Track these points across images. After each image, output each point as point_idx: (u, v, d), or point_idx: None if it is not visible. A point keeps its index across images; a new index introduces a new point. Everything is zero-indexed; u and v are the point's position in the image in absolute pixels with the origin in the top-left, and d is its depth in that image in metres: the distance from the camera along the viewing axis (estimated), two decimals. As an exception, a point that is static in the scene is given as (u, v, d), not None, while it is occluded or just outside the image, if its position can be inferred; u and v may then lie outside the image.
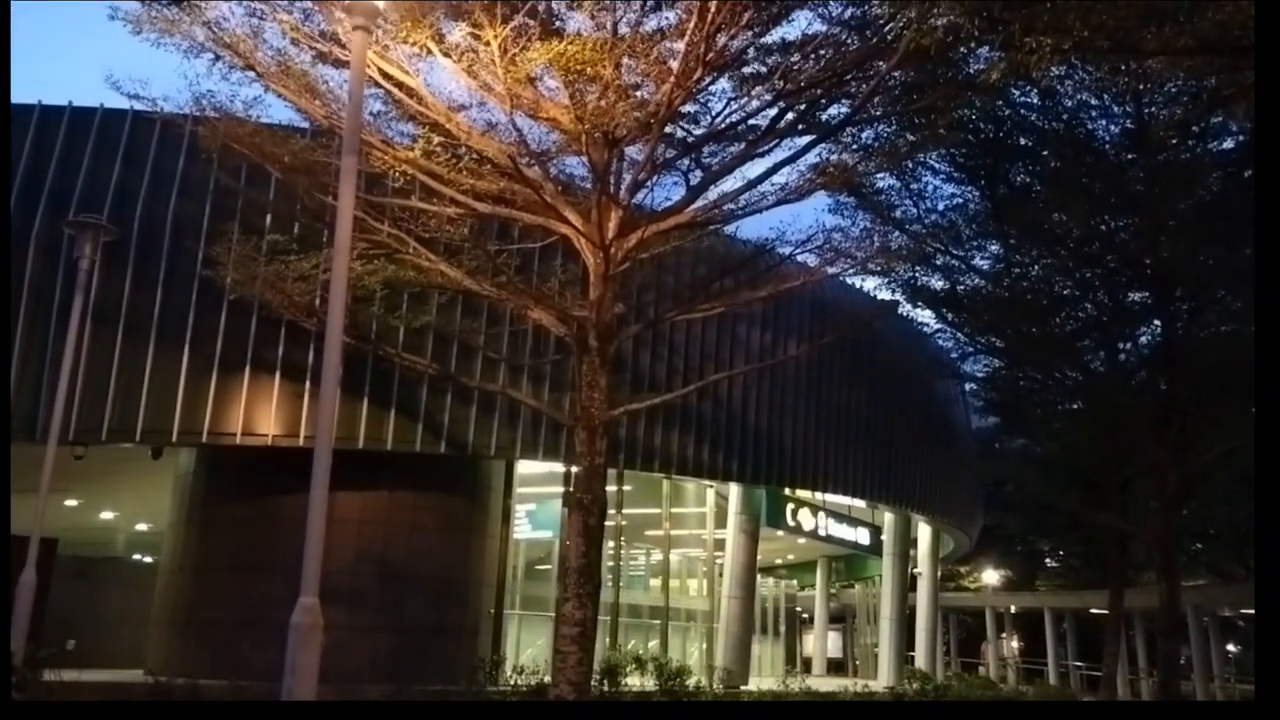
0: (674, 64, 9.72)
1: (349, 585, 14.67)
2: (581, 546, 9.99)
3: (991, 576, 42.52)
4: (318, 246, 12.52)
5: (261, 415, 14.81)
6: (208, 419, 14.57)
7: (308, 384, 14.79)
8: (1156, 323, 19.52)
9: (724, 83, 11.03)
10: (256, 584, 15.04)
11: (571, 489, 10.34)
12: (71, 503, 20.30)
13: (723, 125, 11.40)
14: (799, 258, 12.53)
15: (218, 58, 10.59)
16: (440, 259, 11.39)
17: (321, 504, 7.17)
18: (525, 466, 17.57)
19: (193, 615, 15.67)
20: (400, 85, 10.46)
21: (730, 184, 11.41)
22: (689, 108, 11.28)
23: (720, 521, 20.44)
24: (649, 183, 11.38)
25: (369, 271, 11.15)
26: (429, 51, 9.90)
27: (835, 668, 36.02)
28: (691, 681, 14.76)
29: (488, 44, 9.27)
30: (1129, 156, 17.47)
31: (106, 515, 23.31)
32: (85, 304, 13.26)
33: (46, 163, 14.93)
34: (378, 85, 10.54)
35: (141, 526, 24.41)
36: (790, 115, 11.05)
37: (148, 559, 25.16)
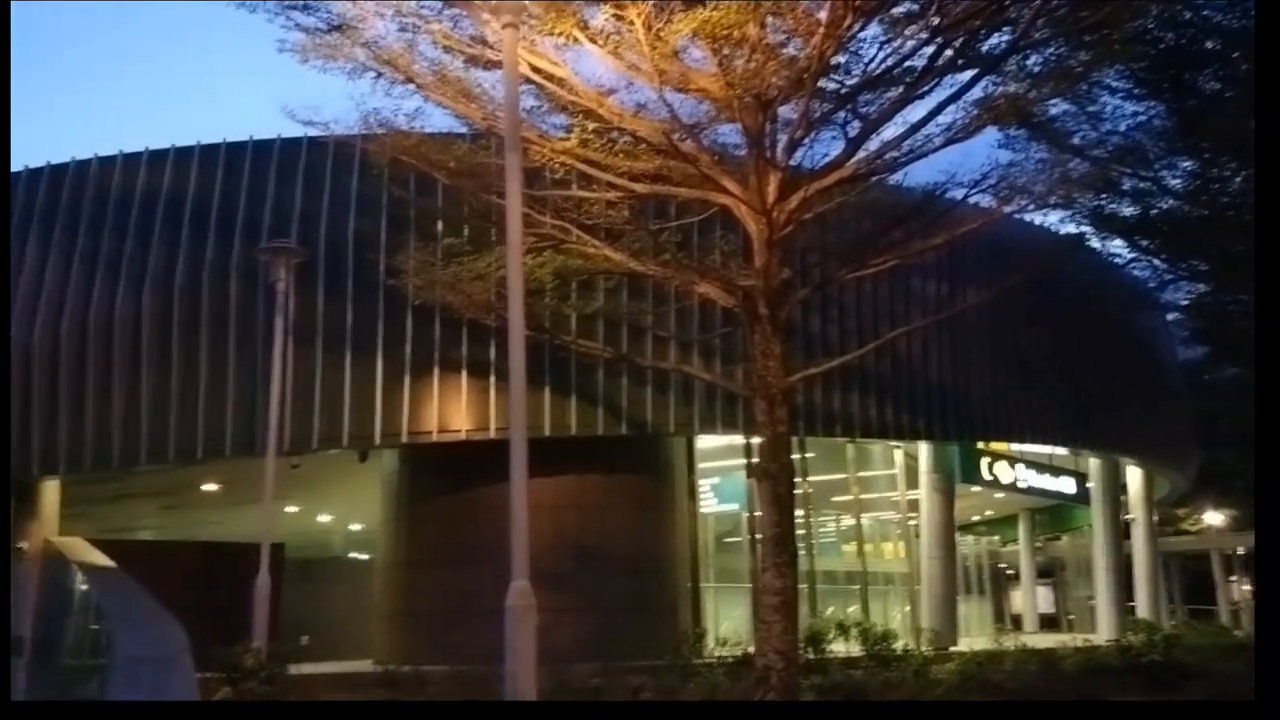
0: (822, 14, 9.41)
1: (549, 568, 15.07)
2: (774, 516, 9.90)
3: (1214, 517, 39.60)
4: (489, 245, 12.92)
5: (453, 412, 15.48)
6: (405, 420, 15.36)
7: (492, 379, 15.35)
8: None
9: (874, 28, 10.61)
10: (463, 574, 15.77)
11: (756, 460, 10.24)
12: (292, 509, 21.85)
13: (877, 71, 10.96)
14: (973, 200, 11.94)
15: (379, 75, 11.04)
16: (604, 244, 11.52)
17: (522, 491, 7.39)
18: (706, 441, 17.64)
19: (409, 606, 16.60)
20: (550, 77, 10.61)
21: (891, 131, 10.97)
22: (840, 58, 10.91)
23: (912, 482, 19.89)
24: (806, 141, 11.08)
25: (539, 264, 11.40)
26: (575, 40, 9.99)
27: (1048, 623, 34.51)
28: (899, 645, 14.46)
29: (631, 23, 9.26)
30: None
31: (323, 518, 25.00)
32: (285, 324, 14.22)
33: (237, 195, 16.06)
34: (528, 81, 10.72)
35: (355, 526, 26.07)
36: (948, 51, 10.49)
37: (363, 556, 26.85)
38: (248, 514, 19.28)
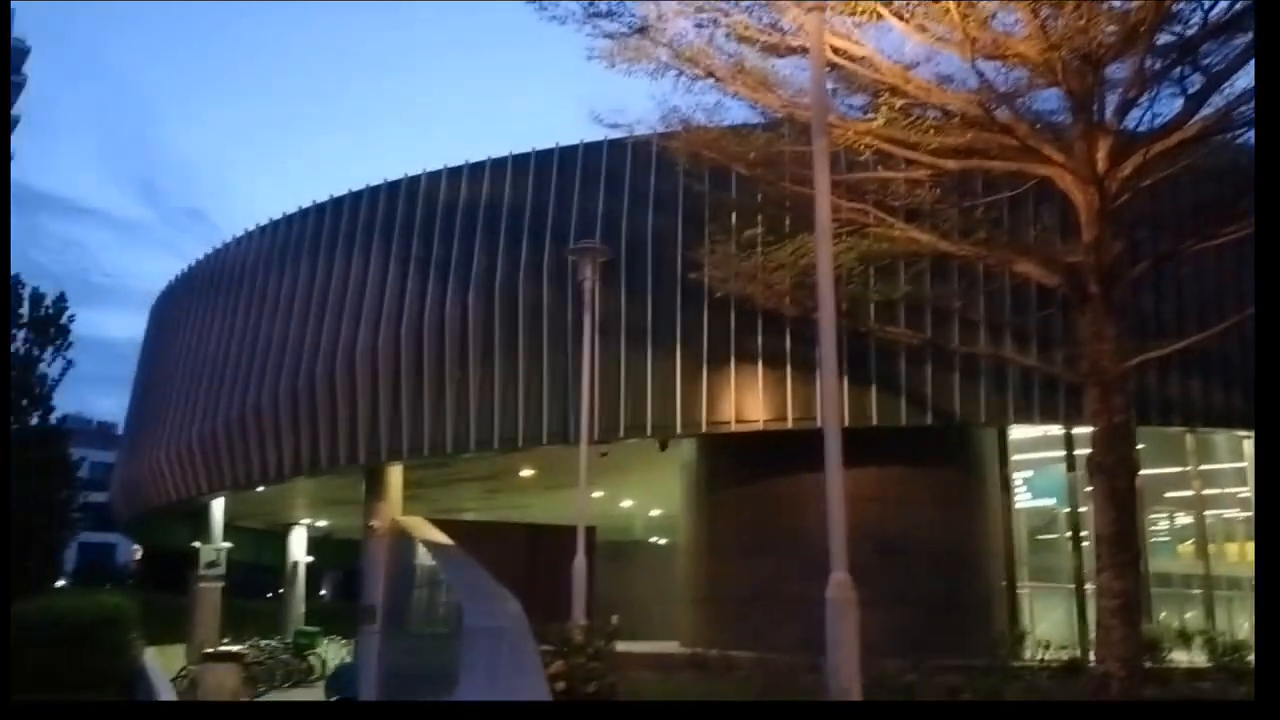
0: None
1: (850, 561, 14.88)
2: (1111, 513, 9.12)
3: None
4: (785, 235, 12.87)
5: (751, 402, 15.58)
6: (704, 410, 15.66)
7: (789, 369, 15.29)
8: None
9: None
10: (762, 562, 15.87)
11: (1090, 452, 9.46)
12: (598, 494, 23.00)
13: (1224, 17, 9.77)
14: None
15: (680, 73, 11.30)
16: (909, 226, 11.12)
17: (838, 482, 7.27)
18: (1018, 432, 16.59)
19: (711, 592, 16.94)
20: (850, 57, 10.37)
21: (1243, 81, 9.76)
22: (1179, 5, 9.82)
23: (1263, 476, 17.59)
24: (1140, 101, 10.10)
25: (843, 249, 11.19)
26: (877, 16, 9.69)
27: None
28: (1252, 657, 12.88)
29: (940, -7, 8.85)
30: None
31: (625, 504, 26.10)
32: (593, 320, 14.93)
33: (546, 202, 17.07)
34: (830, 63, 10.54)
35: (655, 512, 27.00)
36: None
37: (662, 541, 27.78)
38: (559, 498, 20.51)
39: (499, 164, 17.64)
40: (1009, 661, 12.90)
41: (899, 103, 10.06)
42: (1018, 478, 17.13)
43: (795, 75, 11.02)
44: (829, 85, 11.64)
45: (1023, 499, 17.33)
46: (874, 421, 15.12)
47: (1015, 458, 16.96)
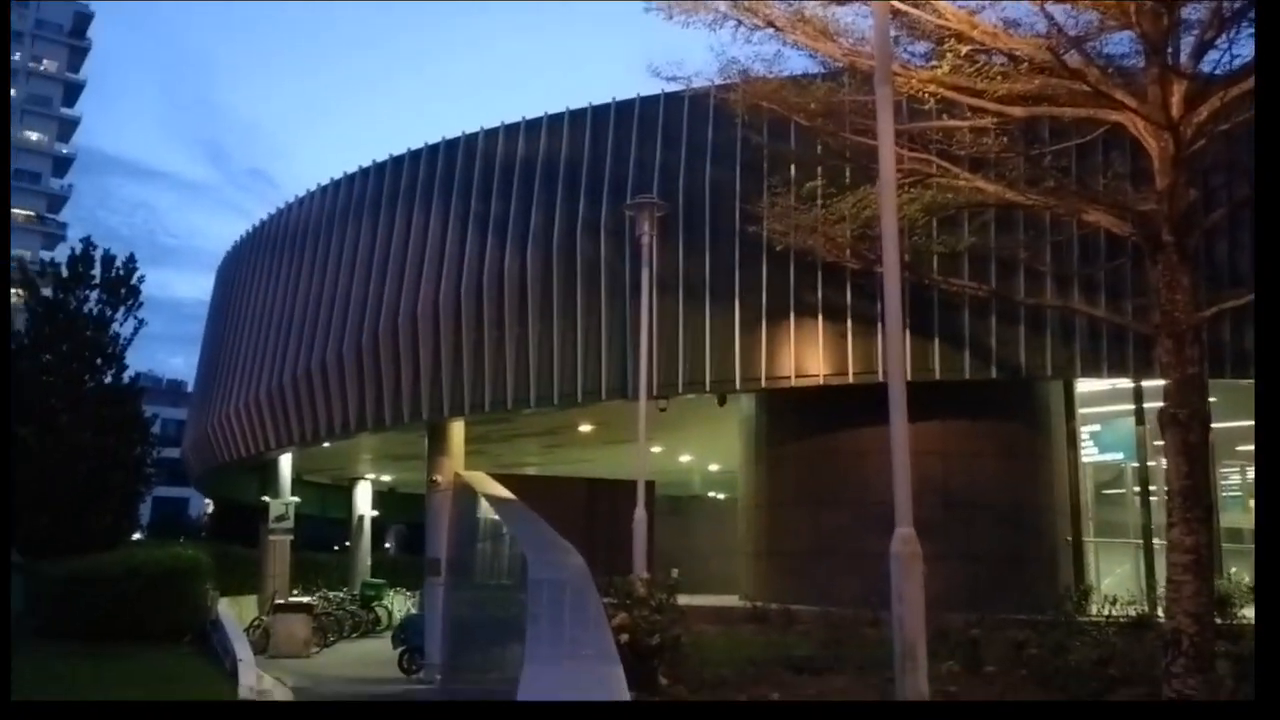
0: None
1: (915, 515, 14.81)
2: (1183, 467, 8.91)
3: None
4: (846, 187, 12.67)
5: (810, 357, 15.49)
6: (763, 365, 15.61)
7: (849, 323, 15.15)
8: None
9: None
10: (823, 516, 15.88)
11: (1162, 405, 9.24)
12: (656, 449, 23.13)
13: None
14: None
15: (739, 23, 11.11)
16: (974, 175, 10.87)
17: (903, 435, 7.19)
18: (1086, 385, 16.27)
19: (771, 547, 17.00)
20: (914, 3, 10.10)
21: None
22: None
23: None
24: (1217, 42, 9.69)
25: (907, 201, 10.98)
26: (943, -41, 9.41)
27: None
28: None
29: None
30: None
31: (684, 458, 26.23)
32: (650, 275, 14.92)
33: (603, 156, 17.01)
34: (891, 10, 10.27)
35: (713, 467, 27.10)
36: None
37: (720, 496, 27.90)
38: (617, 453, 20.67)
39: (555, 119, 17.60)
40: (1075, 616, 12.78)
41: (964, 49, 9.77)
42: (1084, 432, 16.85)
43: (857, 23, 10.77)
44: (891, 33, 11.40)
45: (1089, 453, 17.05)
46: (937, 375, 14.96)
47: (1082, 411, 16.67)
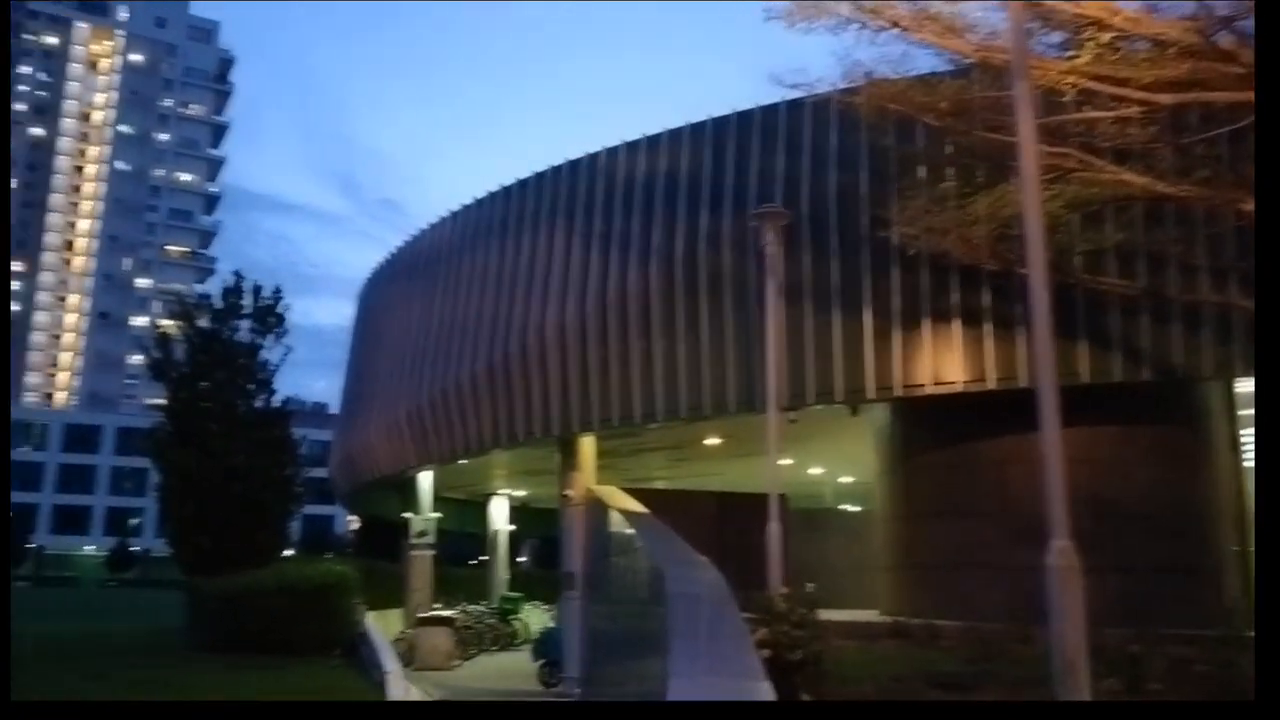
0: None
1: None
2: (1368, 470, 8.23)
3: None
4: (979, 186, 12.26)
5: (948, 363, 15.02)
6: (898, 373, 15.21)
7: (988, 326, 14.63)
8: None
9: None
10: (963, 527, 15.34)
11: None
12: (786, 462, 22.83)
13: None
14: None
15: (861, 26, 10.93)
16: (1120, 168, 10.36)
17: (1056, 444, 6.86)
18: (1248, 385, 15.24)
19: (909, 559, 16.53)
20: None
21: None
22: None
23: None
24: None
25: (1049, 197, 10.55)
26: (1078, -55, 9.02)
27: None
28: None
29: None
30: None
31: (814, 471, 25.81)
32: (776, 285, 14.75)
33: (724, 166, 16.97)
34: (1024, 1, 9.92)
35: (846, 479, 26.58)
36: None
37: (853, 508, 27.32)
38: (745, 466, 20.49)
39: (675, 135, 17.67)
40: (1244, 631, 11.93)
41: (1105, 36, 9.34)
42: (1248, 434, 15.79)
43: (986, 17, 10.45)
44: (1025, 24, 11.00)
45: (1254, 458, 15.97)
46: (1085, 379, 14.27)
47: (1244, 413, 15.62)
